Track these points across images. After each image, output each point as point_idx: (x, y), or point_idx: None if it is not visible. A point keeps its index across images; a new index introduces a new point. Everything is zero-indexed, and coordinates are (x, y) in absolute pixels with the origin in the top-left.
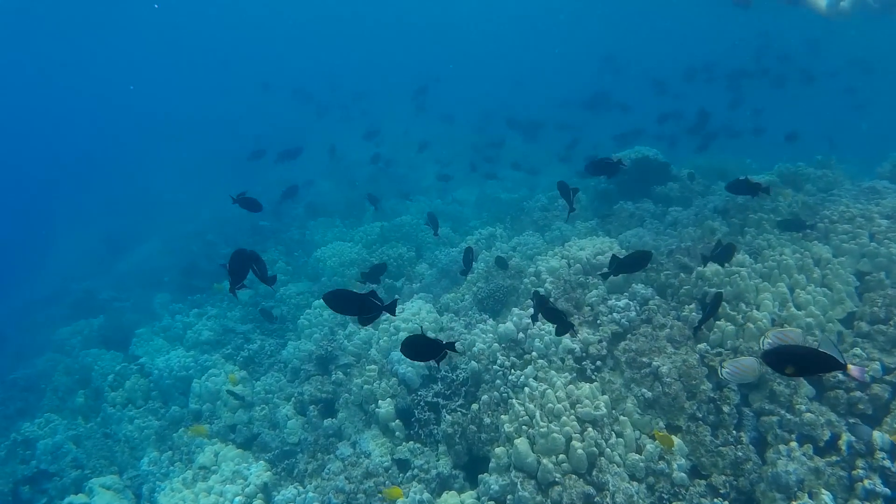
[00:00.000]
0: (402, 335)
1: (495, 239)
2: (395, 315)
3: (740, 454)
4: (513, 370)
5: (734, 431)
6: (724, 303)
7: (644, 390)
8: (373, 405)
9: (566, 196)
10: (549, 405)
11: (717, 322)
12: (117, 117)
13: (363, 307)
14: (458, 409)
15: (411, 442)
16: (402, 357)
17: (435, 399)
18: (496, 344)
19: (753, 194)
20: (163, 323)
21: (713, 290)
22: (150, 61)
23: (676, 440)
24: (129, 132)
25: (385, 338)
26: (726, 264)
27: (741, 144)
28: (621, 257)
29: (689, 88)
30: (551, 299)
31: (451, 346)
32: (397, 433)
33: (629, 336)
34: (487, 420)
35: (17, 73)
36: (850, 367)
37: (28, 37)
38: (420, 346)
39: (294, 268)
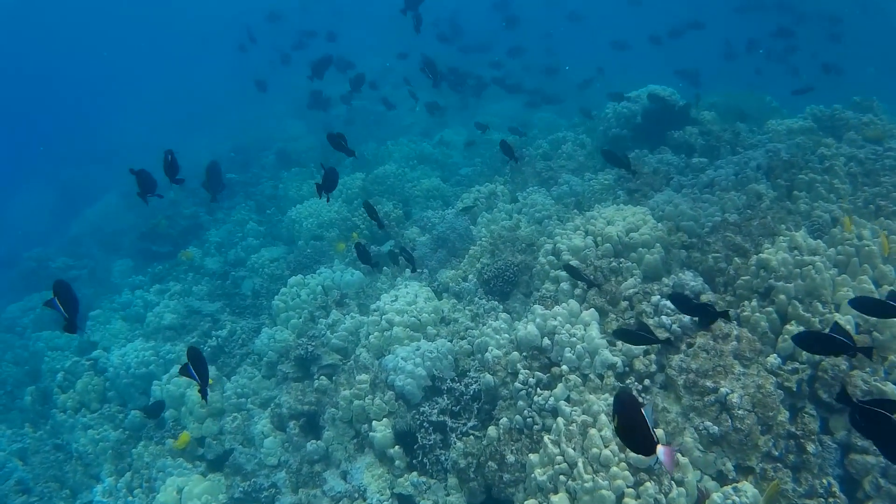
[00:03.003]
0: (397, 330)
1: (496, 198)
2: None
3: None
4: (538, 388)
5: (822, 479)
6: (794, 301)
7: (708, 423)
8: (365, 425)
9: (509, 155)
10: (595, 450)
11: (788, 326)
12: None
13: None
14: (471, 432)
15: (414, 473)
16: (400, 364)
17: (441, 418)
18: (515, 353)
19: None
20: (122, 299)
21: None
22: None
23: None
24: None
25: (376, 333)
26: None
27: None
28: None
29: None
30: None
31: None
32: (397, 461)
33: (685, 350)
34: (511, 458)
35: None
36: None
37: None
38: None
39: (267, 228)
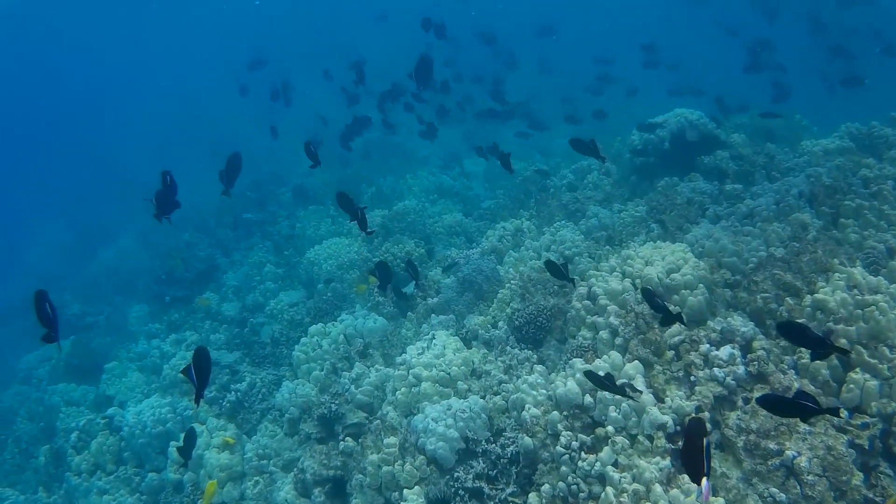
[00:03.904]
0: (425, 386)
1: (523, 234)
2: None
3: None
4: (583, 452)
5: None
6: (859, 346)
7: (774, 490)
8: (396, 493)
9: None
10: None
11: (852, 374)
12: (94, 96)
13: None
14: (511, 499)
15: None
16: (431, 426)
17: (477, 484)
18: (555, 412)
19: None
20: (138, 348)
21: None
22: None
23: None
24: (105, 111)
25: (403, 389)
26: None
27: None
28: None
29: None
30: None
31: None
32: None
33: (742, 406)
34: None
35: None
36: None
37: None
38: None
39: (285, 270)
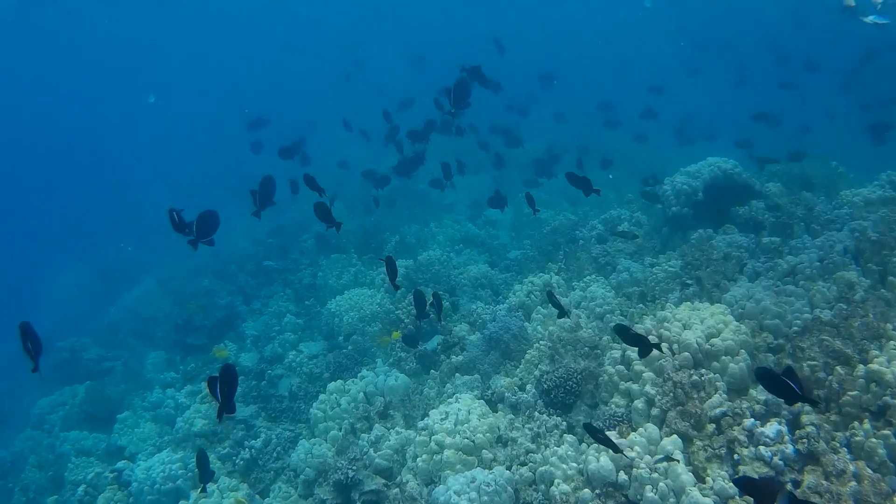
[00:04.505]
0: (448, 454)
1: (552, 289)
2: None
3: None
4: None
5: None
6: None
7: None
8: None
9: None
10: None
11: None
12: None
13: None
14: None
15: None
16: (453, 500)
17: None
18: (587, 490)
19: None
20: (153, 397)
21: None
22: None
23: None
24: (130, 150)
25: (424, 456)
26: None
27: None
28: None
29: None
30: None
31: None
32: None
33: (791, 490)
34: None
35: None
36: None
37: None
38: None
39: (306, 321)
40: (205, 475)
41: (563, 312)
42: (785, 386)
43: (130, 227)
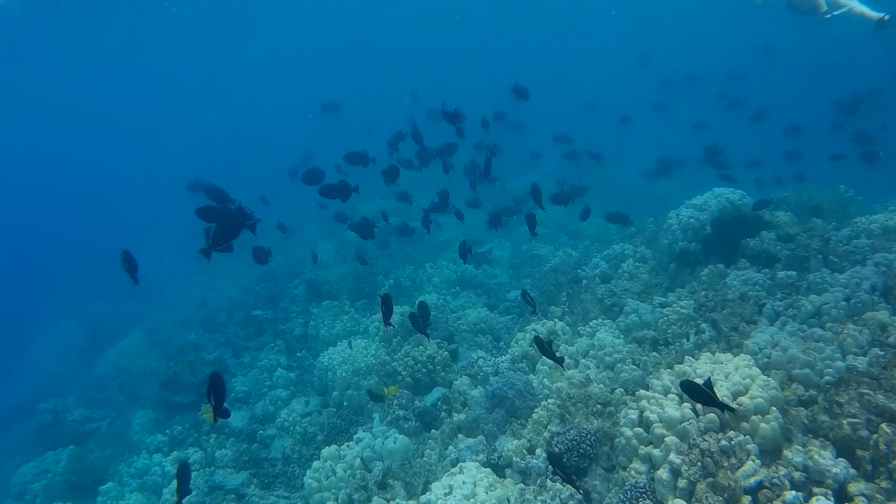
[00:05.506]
0: None
1: (557, 337)
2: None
3: None
4: None
5: None
6: None
7: None
8: None
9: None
10: None
11: None
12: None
13: None
14: None
15: None
16: None
17: None
18: None
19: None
20: (139, 464)
21: None
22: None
23: None
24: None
25: None
26: None
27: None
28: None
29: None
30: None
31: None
32: None
33: None
34: None
35: None
36: None
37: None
38: None
39: (298, 374)
40: (183, 490)
41: (558, 362)
42: (707, 395)
43: (118, 281)
